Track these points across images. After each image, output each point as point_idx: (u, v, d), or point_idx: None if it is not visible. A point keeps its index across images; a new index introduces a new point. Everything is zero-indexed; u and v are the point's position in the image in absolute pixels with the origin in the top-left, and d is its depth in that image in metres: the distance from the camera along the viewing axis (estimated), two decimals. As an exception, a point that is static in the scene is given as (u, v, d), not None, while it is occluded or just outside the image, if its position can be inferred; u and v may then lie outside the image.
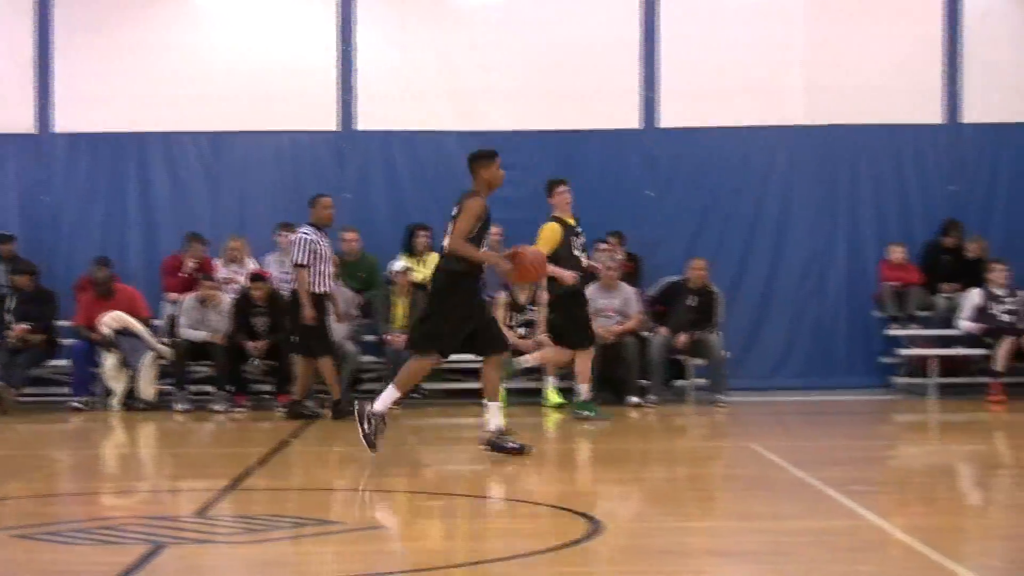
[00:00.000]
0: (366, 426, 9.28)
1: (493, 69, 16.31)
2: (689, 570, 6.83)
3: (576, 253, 12.96)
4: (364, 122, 16.25)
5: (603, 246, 14.76)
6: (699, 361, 15.53)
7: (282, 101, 16.08)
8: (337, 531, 7.66)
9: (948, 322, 16.33)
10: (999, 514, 9.24)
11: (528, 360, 13.64)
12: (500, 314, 14.26)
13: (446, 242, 9.55)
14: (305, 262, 12.92)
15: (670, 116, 16.34)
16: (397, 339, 13.76)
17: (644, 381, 14.87)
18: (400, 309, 14.45)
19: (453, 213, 9.56)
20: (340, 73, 16.25)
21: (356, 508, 8.86)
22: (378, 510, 8.87)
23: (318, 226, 13.01)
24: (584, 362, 13.18)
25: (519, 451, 9.71)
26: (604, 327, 13.98)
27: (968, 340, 15.96)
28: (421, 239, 14.73)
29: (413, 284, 14.43)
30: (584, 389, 13.39)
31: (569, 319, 13.28)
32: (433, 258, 13.34)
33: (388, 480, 9.66)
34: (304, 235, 12.87)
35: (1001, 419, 14.63)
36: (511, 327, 14.37)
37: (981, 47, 16.27)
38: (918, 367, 16.50)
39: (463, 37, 16.26)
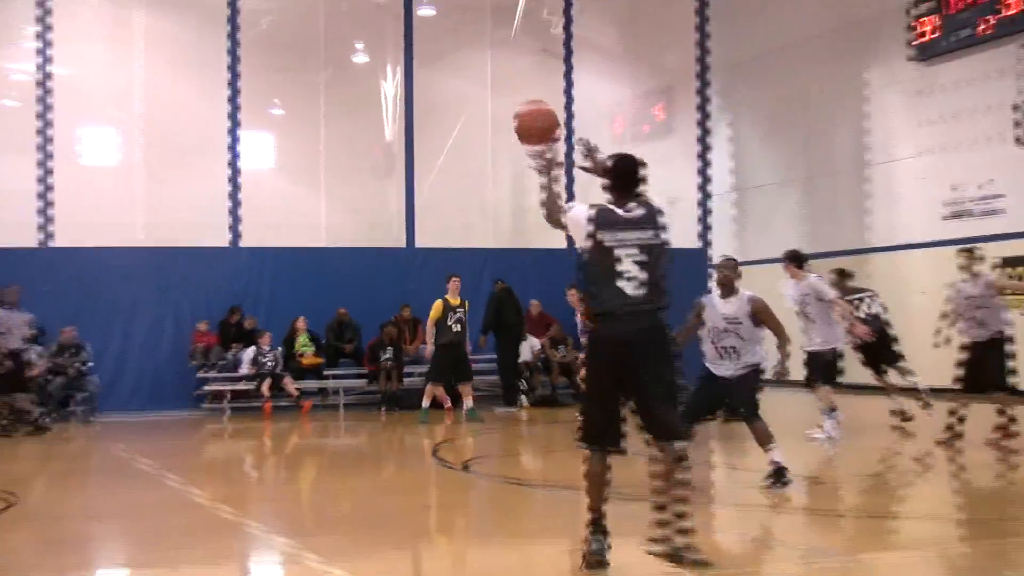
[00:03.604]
0: None
1: None
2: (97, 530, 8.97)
3: (450, 323, 17.65)
4: None
5: None
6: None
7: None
8: None
9: (236, 367, 20.27)
10: (275, 485, 12.17)
11: None
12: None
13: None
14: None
15: None
16: None
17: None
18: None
19: None
20: None
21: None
22: None
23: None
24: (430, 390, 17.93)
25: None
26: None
27: (249, 378, 20.08)
28: None
29: None
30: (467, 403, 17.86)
31: (438, 362, 17.75)
32: None
33: None
34: None
35: (271, 426, 18.12)
36: None
37: None
38: (217, 396, 20.24)
39: None
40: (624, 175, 7.13)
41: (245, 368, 20.45)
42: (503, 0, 24.81)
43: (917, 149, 22.71)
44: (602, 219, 6.95)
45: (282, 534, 8.47)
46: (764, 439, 10.19)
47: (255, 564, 7.86)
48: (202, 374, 20.68)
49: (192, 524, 8.96)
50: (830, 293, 14.50)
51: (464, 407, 17.98)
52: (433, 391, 18.16)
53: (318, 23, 23.46)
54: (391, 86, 23.88)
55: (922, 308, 21.67)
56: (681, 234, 24.07)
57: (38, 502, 10.41)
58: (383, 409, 20.18)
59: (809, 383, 14.69)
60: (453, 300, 17.78)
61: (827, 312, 14.30)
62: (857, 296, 15.81)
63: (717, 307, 10.22)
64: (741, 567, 7.37)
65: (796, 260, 14.56)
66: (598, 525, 7.08)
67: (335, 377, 21.27)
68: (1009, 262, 20.42)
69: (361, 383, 21.28)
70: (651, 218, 7.01)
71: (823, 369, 14.45)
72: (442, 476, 11.39)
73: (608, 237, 6.93)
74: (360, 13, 23.96)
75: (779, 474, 10.06)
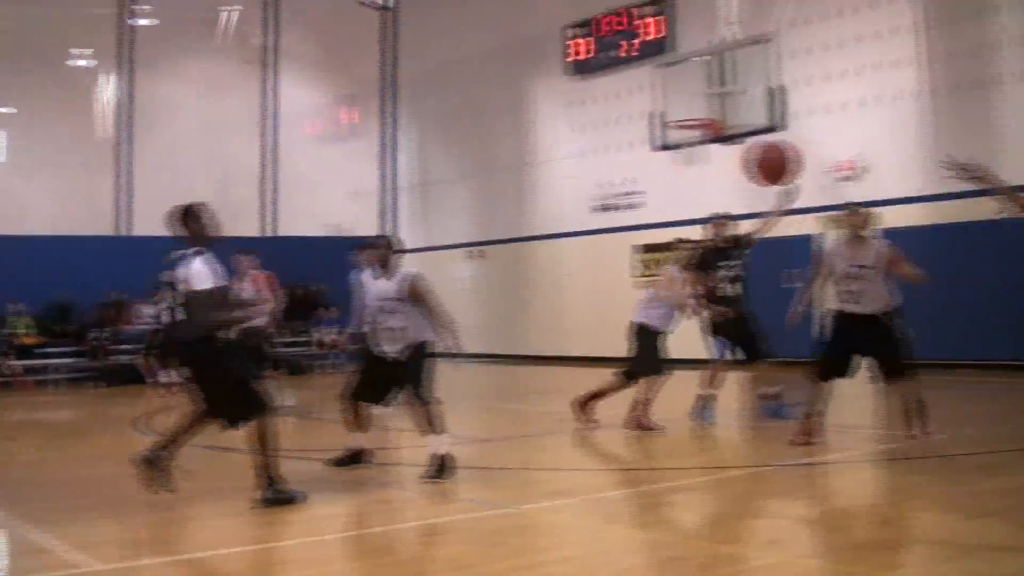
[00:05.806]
0: None
1: None
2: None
3: None
4: None
5: None
6: None
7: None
8: None
9: None
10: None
11: None
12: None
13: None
14: None
15: None
16: None
17: None
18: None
19: None
20: None
21: None
22: None
23: None
24: None
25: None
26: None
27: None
28: None
29: None
30: None
31: None
32: None
33: None
34: None
35: None
36: None
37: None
38: None
39: None
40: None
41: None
42: (209, 13, 24.57)
43: (572, 151, 23.59)
44: None
45: (-10, 503, 8.01)
46: (433, 424, 8.23)
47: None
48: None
49: None
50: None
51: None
52: None
53: (36, 29, 22.61)
54: (108, 89, 23.39)
55: (572, 288, 22.81)
56: (365, 223, 24.54)
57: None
58: (96, 384, 19.94)
59: None
60: None
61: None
62: None
63: (373, 287, 8.47)
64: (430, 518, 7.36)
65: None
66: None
67: (53, 356, 20.59)
68: (650, 248, 21.45)
69: (78, 360, 20.68)
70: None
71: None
72: (145, 445, 10.91)
73: None
74: (76, 21, 23.14)
75: (441, 467, 8.17)
